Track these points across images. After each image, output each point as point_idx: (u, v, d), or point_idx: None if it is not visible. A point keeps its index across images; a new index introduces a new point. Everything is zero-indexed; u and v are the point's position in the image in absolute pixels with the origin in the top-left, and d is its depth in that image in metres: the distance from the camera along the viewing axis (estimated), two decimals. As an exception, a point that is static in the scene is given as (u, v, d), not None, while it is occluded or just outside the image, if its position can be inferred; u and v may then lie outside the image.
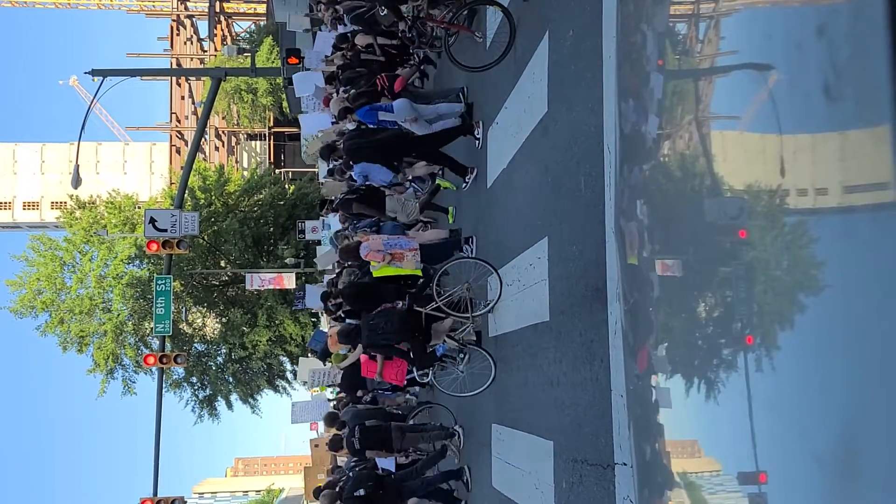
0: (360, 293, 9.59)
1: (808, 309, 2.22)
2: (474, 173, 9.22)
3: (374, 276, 8.98)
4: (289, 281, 26.95)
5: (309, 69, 15.33)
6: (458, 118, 9.64)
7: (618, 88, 4.23)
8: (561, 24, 6.19)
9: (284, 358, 32.68)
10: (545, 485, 6.11)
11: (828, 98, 1.99)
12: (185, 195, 24.19)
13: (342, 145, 10.52)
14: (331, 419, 12.38)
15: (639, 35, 3.72)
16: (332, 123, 13.57)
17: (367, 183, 10.27)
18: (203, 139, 36.59)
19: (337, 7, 11.27)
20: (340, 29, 12.36)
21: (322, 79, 13.70)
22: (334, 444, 11.07)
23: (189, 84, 54.50)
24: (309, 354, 20.75)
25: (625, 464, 4.49)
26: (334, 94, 12.62)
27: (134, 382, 30.51)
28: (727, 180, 2.73)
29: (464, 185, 9.46)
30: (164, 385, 23.71)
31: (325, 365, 14.91)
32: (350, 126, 11.20)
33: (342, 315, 12.08)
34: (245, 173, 38.57)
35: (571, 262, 5.69)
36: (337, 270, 14.77)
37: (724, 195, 2.73)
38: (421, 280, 8.72)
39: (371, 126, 9.57)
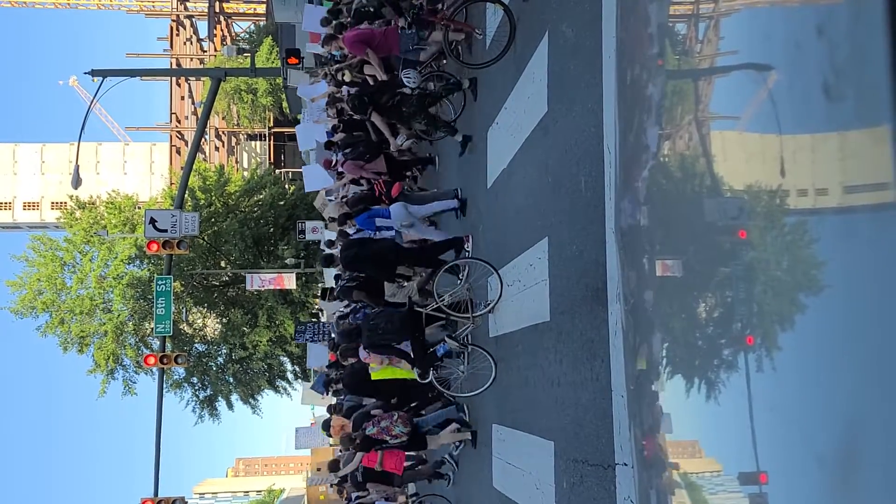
0: (359, 381, 10.30)
1: (809, 309, 2.22)
2: (466, 271, 9.70)
3: (373, 377, 9.70)
4: (289, 281, 26.96)
5: (310, 94, 15.95)
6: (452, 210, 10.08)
7: (618, 88, 4.23)
8: (561, 24, 6.19)
9: (285, 358, 32.69)
10: (546, 485, 6.11)
11: (828, 98, 1.99)
12: (186, 195, 24.21)
13: (340, 254, 11.02)
14: (333, 465, 12.57)
15: (639, 35, 3.72)
16: (327, 134, 14.03)
17: None
18: (203, 139, 36.62)
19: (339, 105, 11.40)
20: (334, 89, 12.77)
21: (323, 131, 14.52)
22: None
23: (189, 84, 54.52)
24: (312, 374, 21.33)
25: (625, 464, 4.49)
26: (333, 159, 13.36)
27: (134, 383, 30.56)
28: (727, 180, 2.73)
29: (458, 281, 9.93)
30: (164, 385, 23.74)
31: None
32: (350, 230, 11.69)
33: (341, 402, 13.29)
34: (245, 173, 38.58)
35: (572, 263, 5.69)
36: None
37: (724, 195, 2.73)
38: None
39: (369, 233, 10.13)
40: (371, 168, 11.40)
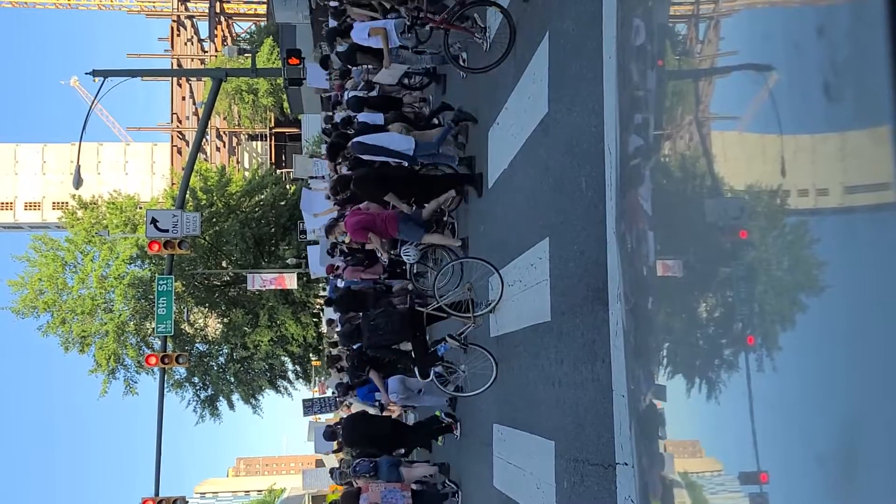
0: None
1: (809, 309, 2.23)
2: (458, 429, 10.40)
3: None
4: (290, 281, 26.96)
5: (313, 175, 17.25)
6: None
7: (618, 89, 4.24)
8: (561, 25, 6.20)
9: (286, 358, 32.71)
10: (546, 484, 6.11)
11: (828, 98, 1.99)
12: (187, 195, 24.21)
13: (341, 427, 11.82)
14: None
15: (639, 35, 3.72)
16: (327, 199, 14.63)
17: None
18: (204, 140, 36.65)
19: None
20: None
21: (324, 199, 15.44)
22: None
23: (190, 85, 54.55)
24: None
25: (626, 464, 4.49)
26: (338, 266, 14.50)
27: (136, 382, 30.58)
28: (728, 181, 2.73)
29: (455, 436, 10.44)
30: (165, 385, 23.74)
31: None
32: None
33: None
34: (246, 174, 38.59)
35: (573, 263, 5.70)
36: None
37: (724, 195, 2.73)
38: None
39: (370, 405, 11.10)
40: (371, 272, 12.47)
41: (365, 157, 9.33)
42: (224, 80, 22.31)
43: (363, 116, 10.35)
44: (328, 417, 25.88)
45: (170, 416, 36.96)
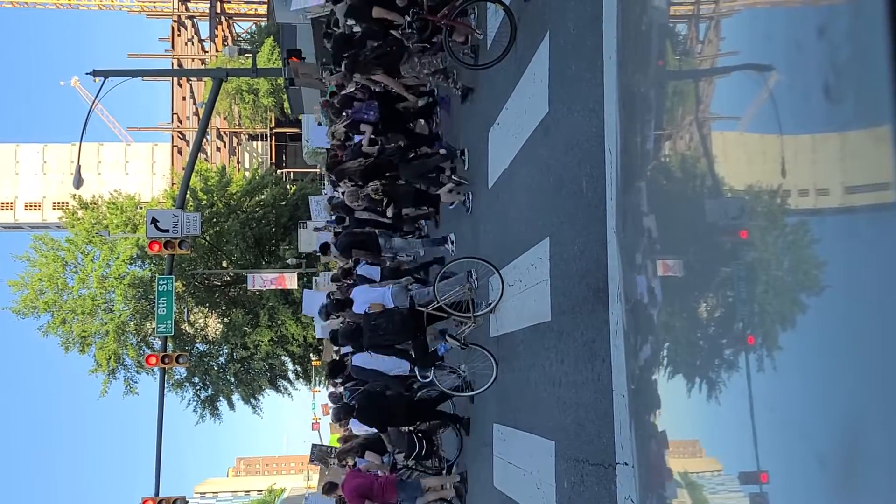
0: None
1: (810, 309, 2.23)
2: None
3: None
4: (290, 281, 26.97)
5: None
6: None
7: (619, 89, 4.24)
8: (562, 25, 6.20)
9: (286, 358, 32.71)
10: (546, 484, 6.11)
11: (828, 98, 1.99)
12: (187, 196, 24.22)
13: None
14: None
15: (639, 35, 3.72)
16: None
17: None
18: (204, 140, 36.63)
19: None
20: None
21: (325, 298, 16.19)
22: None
23: (190, 85, 54.54)
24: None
25: (626, 463, 4.49)
26: (336, 390, 14.90)
27: (136, 382, 30.61)
28: (728, 181, 2.73)
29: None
30: (165, 385, 23.75)
31: None
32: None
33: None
34: (247, 174, 38.61)
35: (573, 263, 5.70)
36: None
37: (725, 196, 2.73)
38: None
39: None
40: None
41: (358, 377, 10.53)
42: (224, 80, 22.32)
43: (362, 269, 10.92)
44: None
45: (170, 416, 37.03)
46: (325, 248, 14.67)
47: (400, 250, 11.31)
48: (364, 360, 9.82)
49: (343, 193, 11.68)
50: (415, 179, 10.32)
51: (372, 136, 10.91)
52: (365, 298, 9.36)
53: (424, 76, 9.55)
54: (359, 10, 9.29)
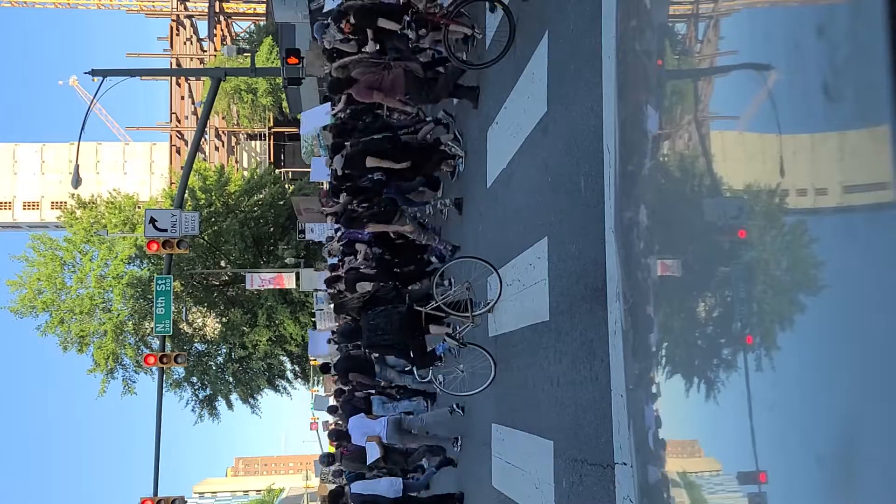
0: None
1: (808, 309, 2.22)
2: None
3: None
4: (289, 281, 26.95)
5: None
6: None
7: (617, 88, 4.23)
8: (560, 24, 6.19)
9: (284, 358, 32.71)
10: (545, 484, 6.11)
11: (827, 98, 1.99)
12: (186, 195, 24.17)
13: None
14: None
15: (638, 35, 3.72)
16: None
17: None
18: (203, 139, 36.60)
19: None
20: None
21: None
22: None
23: (189, 84, 54.47)
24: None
25: (625, 463, 4.49)
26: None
27: (134, 382, 30.60)
28: (727, 180, 2.73)
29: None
30: (164, 385, 23.70)
31: None
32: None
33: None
34: (245, 173, 38.55)
35: (571, 262, 5.69)
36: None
37: (723, 195, 2.73)
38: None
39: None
40: None
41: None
42: (223, 80, 22.25)
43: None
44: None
45: (168, 415, 36.99)
46: (325, 368, 15.81)
47: (394, 380, 12.10)
48: (362, 486, 10.49)
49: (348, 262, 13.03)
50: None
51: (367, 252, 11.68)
52: (362, 432, 10.26)
53: (415, 230, 10.67)
54: (353, 160, 10.17)
